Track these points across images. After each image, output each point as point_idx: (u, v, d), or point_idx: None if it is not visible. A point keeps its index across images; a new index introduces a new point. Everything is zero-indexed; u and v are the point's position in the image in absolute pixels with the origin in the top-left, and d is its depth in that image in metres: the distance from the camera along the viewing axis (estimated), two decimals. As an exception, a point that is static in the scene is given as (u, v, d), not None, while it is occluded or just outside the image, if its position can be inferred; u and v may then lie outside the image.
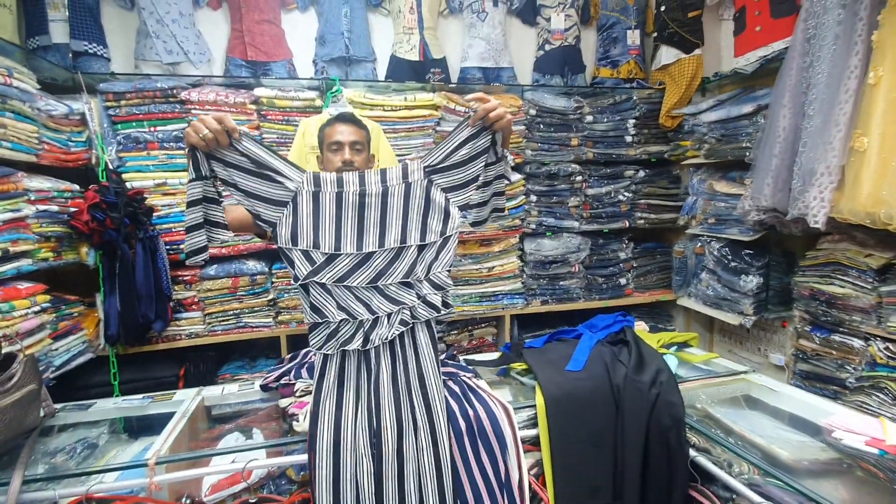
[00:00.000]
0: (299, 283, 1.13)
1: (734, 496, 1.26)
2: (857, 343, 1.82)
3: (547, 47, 2.85)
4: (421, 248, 1.18)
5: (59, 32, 2.18)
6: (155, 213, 2.18)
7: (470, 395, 1.42)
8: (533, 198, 2.71)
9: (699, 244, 2.62)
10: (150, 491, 1.16)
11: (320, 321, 1.15)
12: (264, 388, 1.60)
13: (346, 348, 1.15)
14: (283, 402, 1.46)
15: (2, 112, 1.66)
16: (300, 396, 1.44)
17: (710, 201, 2.57)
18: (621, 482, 1.37)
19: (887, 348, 1.73)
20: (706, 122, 2.51)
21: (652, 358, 1.53)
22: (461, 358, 1.77)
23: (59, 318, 1.90)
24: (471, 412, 1.34)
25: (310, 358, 1.66)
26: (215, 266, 2.33)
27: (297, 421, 1.34)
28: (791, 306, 2.17)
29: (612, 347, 1.62)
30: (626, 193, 2.84)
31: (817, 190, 1.77)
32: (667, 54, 2.69)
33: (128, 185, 2.16)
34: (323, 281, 1.13)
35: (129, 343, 2.17)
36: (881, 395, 1.72)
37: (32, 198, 1.77)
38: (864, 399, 1.76)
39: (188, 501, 1.25)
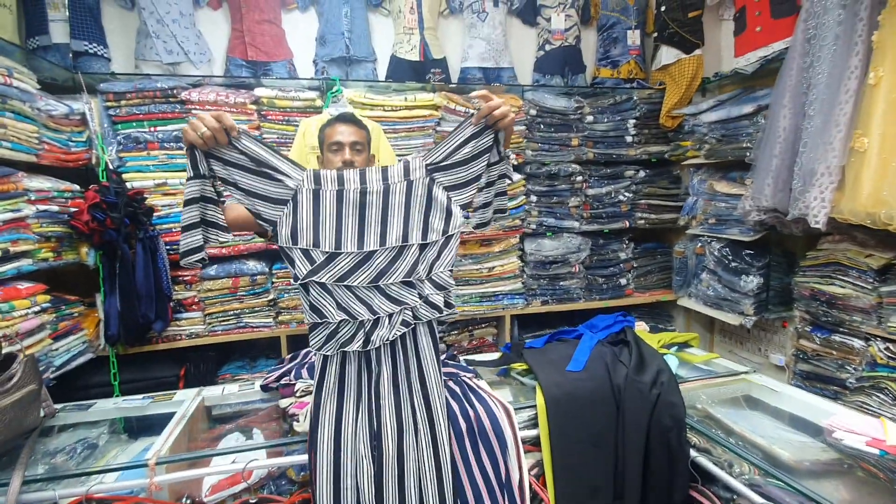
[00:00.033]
0: (299, 282, 1.12)
1: (735, 496, 1.26)
2: (857, 343, 1.81)
3: (547, 47, 2.85)
4: (423, 247, 1.16)
5: (59, 32, 2.18)
6: (155, 214, 2.18)
7: (470, 395, 1.42)
8: (533, 198, 2.71)
9: (699, 244, 2.62)
10: (151, 491, 1.16)
11: (320, 321, 1.13)
12: (264, 388, 1.60)
13: (345, 349, 1.13)
14: (284, 403, 1.46)
15: (2, 112, 1.66)
16: (300, 397, 1.44)
17: (711, 201, 2.57)
18: (622, 482, 1.37)
19: (887, 348, 1.73)
20: (706, 122, 2.51)
21: (652, 358, 1.53)
22: (461, 358, 1.77)
23: (60, 319, 1.90)
24: (471, 412, 1.34)
25: (310, 358, 1.66)
26: (216, 266, 2.33)
27: (298, 421, 1.34)
28: (791, 306, 2.17)
29: (612, 348, 1.62)
30: (627, 194, 2.84)
31: (818, 190, 1.77)
32: (667, 54, 2.69)
33: (128, 185, 2.16)
34: (323, 280, 1.11)
35: (129, 343, 2.17)
36: (881, 396, 1.71)
37: (33, 198, 1.77)
38: (865, 399, 1.76)
39: (188, 502, 1.25)
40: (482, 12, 2.74)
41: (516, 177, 2.65)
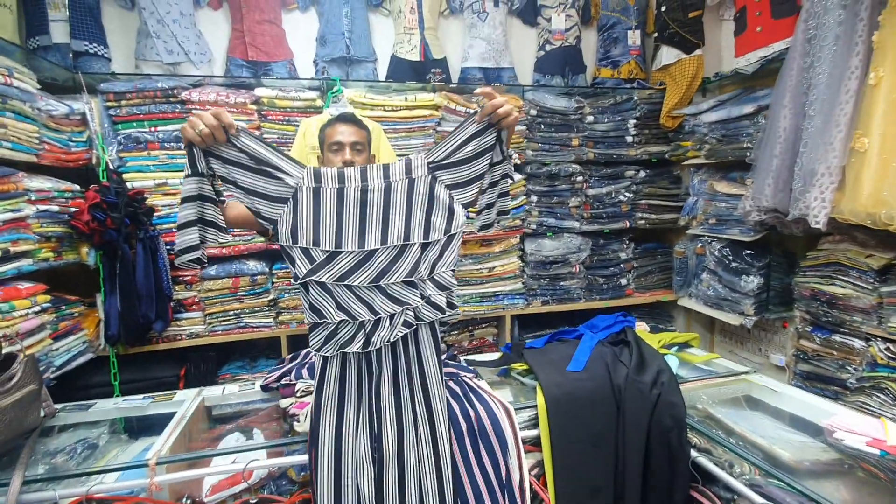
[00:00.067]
0: (299, 281, 1.10)
1: (735, 497, 1.26)
2: (857, 343, 1.81)
3: (548, 47, 2.85)
4: (424, 247, 1.14)
5: (59, 32, 2.18)
6: (155, 214, 2.18)
7: (471, 395, 1.42)
8: (534, 198, 2.71)
9: (700, 244, 2.62)
10: (151, 491, 1.16)
11: (319, 322, 1.12)
12: (265, 388, 1.60)
13: (345, 350, 1.12)
14: (284, 403, 1.46)
15: (2, 112, 1.66)
16: (301, 397, 1.44)
17: (711, 202, 2.57)
18: (622, 483, 1.37)
19: (888, 349, 1.73)
20: (707, 122, 2.51)
21: (653, 358, 1.53)
22: (462, 358, 1.77)
23: (60, 319, 1.90)
24: (472, 412, 1.34)
25: (310, 358, 1.66)
26: (216, 266, 2.33)
27: (298, 421, 1.33)
28: (792, 307, 2.17)
29: (612, 348, 1.62)
30: (627, 194, 2.84)
31: (818, 190, 1.77)
32: (667, 54, 2.69)
33: (128, 185, 2.16)
34: (323, 280, 1.10)
35: (129, 343, 2.17)
36: (882, 396, 1.71)
37: (33, 198, 1.77)
38: (865, 399, 1.76)
39: (189, 502, 1.25)
40: (482, 12, 2.74)
41: (517, 177, 2.65)
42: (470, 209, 1.21)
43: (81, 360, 2.01)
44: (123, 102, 2.18)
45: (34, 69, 1.89)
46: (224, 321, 2.37)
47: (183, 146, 1.07)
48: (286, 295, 2.43)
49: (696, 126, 2.59)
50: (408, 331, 1.14)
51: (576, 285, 2.80)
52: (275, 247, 2.39)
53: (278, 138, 2.35)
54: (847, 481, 1.18)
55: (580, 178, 2.75)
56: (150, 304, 2.09)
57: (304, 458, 1.24)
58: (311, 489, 1.17)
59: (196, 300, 2.32)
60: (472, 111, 2.31)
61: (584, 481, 1.37)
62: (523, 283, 2.74)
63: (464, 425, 1.31)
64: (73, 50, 2.22)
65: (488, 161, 1.17)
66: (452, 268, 1.18)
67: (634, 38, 2.86)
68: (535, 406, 1.41)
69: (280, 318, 2.44)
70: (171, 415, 1.46)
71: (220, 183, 1.10)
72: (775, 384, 1.65)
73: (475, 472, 1.29)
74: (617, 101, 2.79)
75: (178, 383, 2.22)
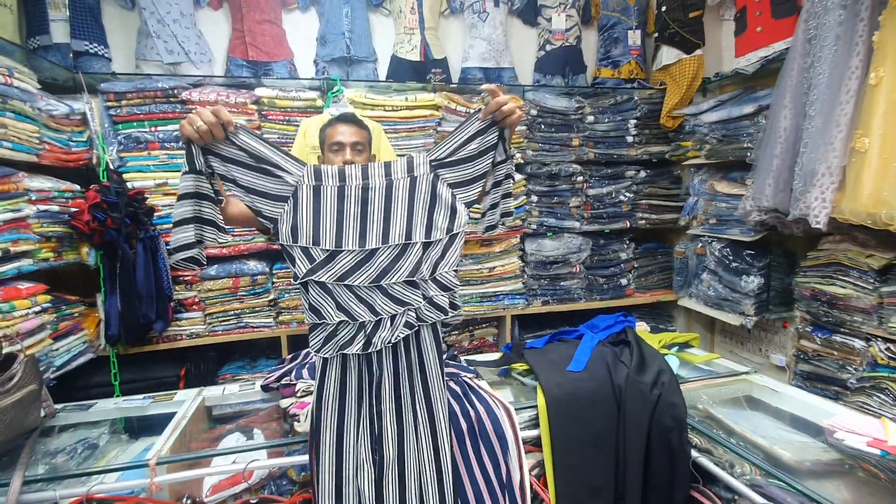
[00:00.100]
0: (298, 281, 1.09)
1: (736, 497, 1.26)
2: (858, 344, 1.81)
3: (548, 47, 2.85)
4: (426, 246, 1.13)
5: (59, 32, 2.18)
6: (156, 213, 2.18)
7: (471, 395, 1.42)
8: (534, 198, 2.71)
9: (700, 245, 2.62)
10: (151, 491, 1.16)
11: (319, 322, 1.11)
12: (265, 388, 1.60)
13: (345, 352, 1.10)
14: (284, 403, 1.46)
15: (2, 112, 1.66)
16: (301, 397, 1.44)
17: (712, 202, 2.57)
18: (623, 483, 1.37)
19: (888, 349, 1.72)
20: (707, 122, 2.51)
21: (653, 358, 1.53)
22: (462, 358, 1.77)
23: (60, 319, 1.90)
24: (472, 412, 1.34)
25: (311, 358, 1.66)
26: (216, 266, 2.33)
27: (299, 421, 1.33)
28: (792, 307, 2.17)
29: (613, 348, 1.62)
30: (628, 194, 2.84)
31: (818, 190, 1.77)
32: (668, 54, 2.69)
33: (129, 185, 2.15)
34: (322, 280, 1.08)
35: (129, 343, 2.17)
36: (882, 396, 1.71)
37: (33, 198, 1.77)
38: (865, 400, 1.76)
39: (189, 502, 1.25)
40: (483, 12, 2.73)
41: (518, 177, 2.65)
42: (473, 209, 1.20)
43: (82, 360, 2.01)
44: (124, 102, 2.18)
45: (34, 69, 1.89)
46: (224, 321, 2.37)
47: (181, 143, 1.06)
48: (286, 295, 2.43)
49: (696, 126, 2.59)
50: (409, 332, 1.13)
51: (576, 285, 2.79)
52: (275, 247, 2.39)
53: (279, 138, 2.34)
54: (848, 481, 1.18)
55: (580, 178, 2.74)
56: (151, 304, 2.09)
57: (305, 458, 1.24)
58: (312, 491, 1.17)
59: (196, 300, 2.32)
60: (472, 111, 2.31)
61: (584, 481, 1.37)
62: (524, 283, 2.74)
63: (464, 425, 1.31)
64: (73, 50, 2.21)
65: (491, 160, 1.15)
66: (455, 268, 1.16)
67: (635, 38, 2.86)
68: (536, 406, 1.41)
69: (280, 318, 2.44)
70: (172, 415, 1.47)
71: (219, 182, 1.09)
72: (776, 384, 1.65)
73: (475, 473, 1.29)
74: (617, 101, 2.79)
75: (178, 383, 2.22)
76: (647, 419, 1.38)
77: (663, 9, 2.66)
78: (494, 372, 1.71)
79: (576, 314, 2.80)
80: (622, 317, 1.81)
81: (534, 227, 2.72)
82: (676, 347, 1.89)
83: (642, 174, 2.83)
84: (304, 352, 1.73)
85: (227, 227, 1.15)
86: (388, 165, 1.11)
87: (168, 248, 2.20)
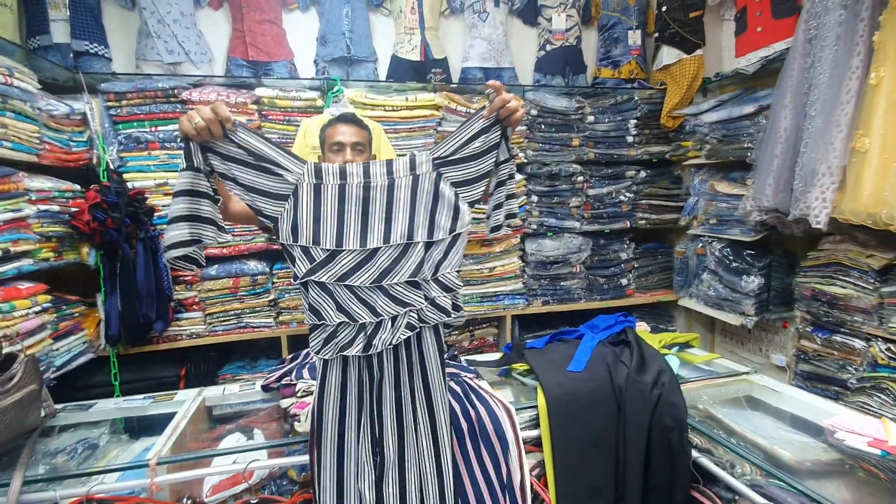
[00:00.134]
0: (298, 281, 1.08)
1: (736, 497, 1.26)
2: (858, 344, 1.81)
3: (548, 47, 2.85)
4: (428, 246, 1.11)
5: (60, 32, 2.18)
6: (156, 213, 2.18)
7: (472, 395, 1.42)
8: (534, 198, 2.71)
9: (700, 245, 2.62)
10: (152, 492, 1.16)
11: (319, 323, 1.09)
12: (265, 388, 1.60)
13: (345, 353, 1.09)
14: (285, 403, 1.46)
15: (3, 112, 1.66)
16: (301, 397, 1.44)
17: (712, 202, 2.57)
18: (623, 483, 1.37)
19: (888, 349, 1.72)
20: (707, 122, 2.51)
21: (654, 359, 1.53)
22: (462, 358, 1.77)
23: (60, 319, 1.90)
24: (472, 413, 1.33)
25: (311, 358, 1.66)
26: (216, 266, 2.33)
27: (299, 421, 1.33)
28: (792, 307, 2.17)
29: (613, 348, 1.62)
30: (628, 194, 2.84)
31: (819, 190, 1.77)
32: (668, 54, 2.69)
33: (129, 184, 2.16)
34: (322, 280, 1.07)
35: (129, 343, 2.17)
36: (882, 396, 1.71)
37: (33, 198, 1.77)
38: (866, 400, 1.76)
39: (189, 502, 1.25)
40: (483, 12, 2.73)
41: (518, 177, 2.65)
42: (475, 210, 1.19)
43: (82, 360, 2.01)
44: (124, 102, 2.18)
45: (35, 69, 1.89)
46: (224, 321, 2.37)
47: (179, 141, 1.05)
48: (287, 295, 2.43)
49: (696, 126, 2.59)
50: (411, 333, 1.11)
51: (576, 285, 2.79)
52: (275, 247, 2.39)
53: (279, 138, 2.34)
54: (848, 481, 1.18)
55: (581, 178, 2.74)
56: (151, 304, 2.09)
57: (305, 458, 1.24)
58: (312, 491, 1.17)
59: (196, 300, 2.32)
60: (474, 110, 2.31)
61: (584, 481, 1.37)
62: (524, 284, 2.73)
63: (465, 426, 1.31)
64: (73, 50, 2.21)
65: (494, 158, 1.14)
66: (458, 269, 1.15)
67: (635, 37, 2.86)
68: (536, 406, 1.41)
69: (280, 318, 2.44)
70: (172, 415, 1.46)
71: (218, 181, 1.08)
72: (776, 384, 1.65)
73: (476, 473, 1.29)
74: (617, 101, 2.79)
75: (178, 383, 2.22)
76: (647, 419, 1.38)
77: (663, 9, 2.66)
78: (495, 372, 1.71)
79: (576, 314, 2.80)
80: (622, 317, 1.81)
81: (534, 227, 2.72)
82: (677, 347, 1.89)
83: (642, 174, 2.83)
84: (305, 352, 1.72)
85: (228, 225, 1.14)
86: (390, 164, 1.09)
87: (162, 245, 2.20)
